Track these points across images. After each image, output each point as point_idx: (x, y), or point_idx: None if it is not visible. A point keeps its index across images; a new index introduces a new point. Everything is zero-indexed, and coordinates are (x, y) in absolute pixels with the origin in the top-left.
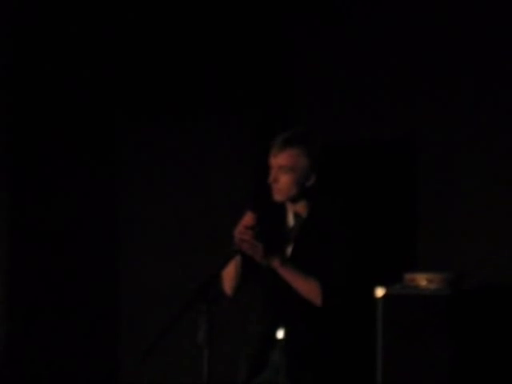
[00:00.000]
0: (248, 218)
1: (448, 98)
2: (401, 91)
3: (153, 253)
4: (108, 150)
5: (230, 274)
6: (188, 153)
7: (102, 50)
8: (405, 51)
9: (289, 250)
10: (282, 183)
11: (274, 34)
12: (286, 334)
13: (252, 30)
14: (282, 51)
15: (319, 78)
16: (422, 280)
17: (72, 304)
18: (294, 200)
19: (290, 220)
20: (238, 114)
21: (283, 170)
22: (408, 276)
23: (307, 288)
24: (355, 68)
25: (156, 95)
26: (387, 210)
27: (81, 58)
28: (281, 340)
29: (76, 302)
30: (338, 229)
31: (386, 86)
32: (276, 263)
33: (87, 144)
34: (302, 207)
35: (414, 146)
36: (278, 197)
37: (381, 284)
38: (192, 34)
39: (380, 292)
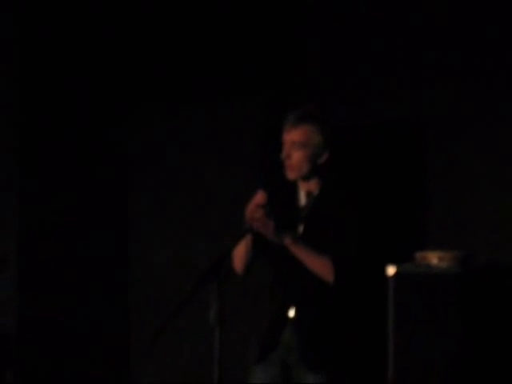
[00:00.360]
0: (259, 197)
1: (461, 79)
2: (413, 75)
3: (164, 237)
4: (115, 138)
5: (240, 254)
6: (200, 133)
7: (104, 45)
8: (417, 36)
9: (300, 228)
10: (294, 159)
11: (287, 17)
12: (297, 312)
13: (264, 14)
14: (294, 35)
15: (331, 62)
16: (433, 258)
17: (83, 296)
18: (305, 178)
19: (302, 199)
20: (250, 96)
21: (296, 145)
22: (419, 254)
23: (319, 265)
24: (368, 54)
25: (163, 80)
26: (399, 188)
27: (83, 55)
28: (292, 319)
29: (87, 294)
30: (350, 207)
31: (399, 69)
32: (288, 241)
33: (95, 137)
34: (313, 185)
35: (425, 125)
36: (290, 174)
37: (392, 262)
38: (200, 18)
39: (391, 270)
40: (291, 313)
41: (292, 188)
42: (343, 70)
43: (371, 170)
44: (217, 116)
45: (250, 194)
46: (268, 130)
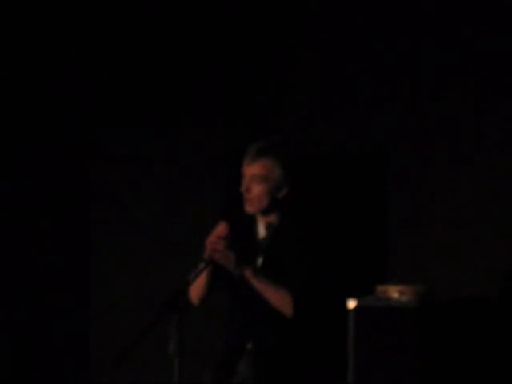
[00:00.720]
0: (221, 228)
1: (422, 113)
2: (373, 105)
3: (125, 263)
4: (82, 161)
5: (198, 284)
6: (161, 164)
7: (77, 60)
8: (374, 64)
9: (259, 260)
10: (254, 193)
11: (249, 45)
12: (255, 345)
13: (227, 38)
14: (256, 64)
15: (293, 90)
16: (394, 292)
17: (42, 312)
18: (265, 212)
19: (261, 231)
20: (212, 126)
21: (256, 179)
22: (380, 288)
23: (278, 298)
24: (328, 81)
25: (129, 108)
26: (359, 220)
27: (54, 69)
28: (249, 351)
29: (47, 310)
30: (309, 240)
31: (359, 98)
32: (248, 273)
33: (61, 154)
34: (273, 218)
35: (386, 158)
36: (249, 208)
37: (353, 296)
38: (160, 41)
39: (352, 303)
40: (249, 344)
41: (251, 221)
42: (304, 97)
43: (331, 201)
44: (179, 149)
45: (211, 225)
46: (230, 162)
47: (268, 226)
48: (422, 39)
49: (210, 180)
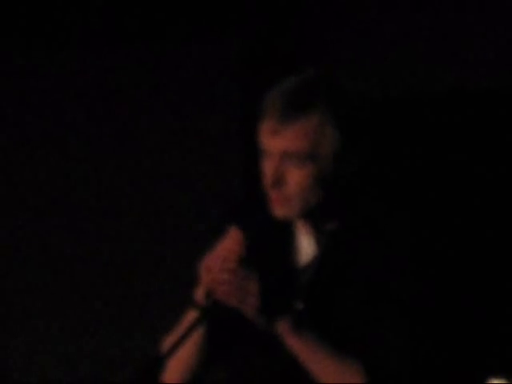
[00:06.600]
0: (233, 239)
1: None
2: None
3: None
4: None
5: (184, 355)
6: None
7: None
8: None
9: (300, 302)
10: (292, 186)
11: None
12: None
13: None
14: None
15: None
16: None
17: None
18: (313, 216)
19: (307, 248)
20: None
21: (293, 160)
22: None
23: (340, 374)
24: None
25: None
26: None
27: None
28: None
29: None
30: (402, 265)
31: None
32: (284, 326)
33: None
34: (330, 225)
35: None
36: (281, 211)
37: (495, 372)
38: None
39: None
40: None
41: (285, 229)
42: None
43: (438, 192)
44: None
45: (211, 236)
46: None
47: (320, 239)
48: None
49: (213, 161)
